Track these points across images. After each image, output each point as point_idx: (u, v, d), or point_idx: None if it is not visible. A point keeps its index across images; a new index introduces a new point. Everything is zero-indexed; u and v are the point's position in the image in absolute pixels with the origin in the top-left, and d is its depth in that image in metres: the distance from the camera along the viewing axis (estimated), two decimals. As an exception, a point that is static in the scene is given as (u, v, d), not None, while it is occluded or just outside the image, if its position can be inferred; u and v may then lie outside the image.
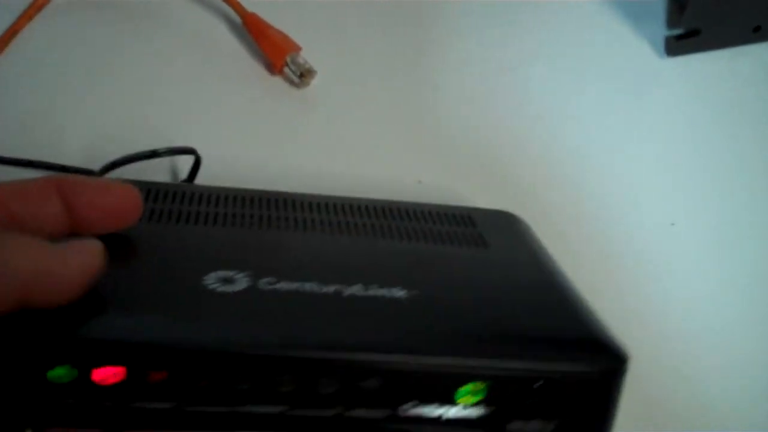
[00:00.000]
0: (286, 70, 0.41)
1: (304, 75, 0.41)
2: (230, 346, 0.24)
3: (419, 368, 0.24)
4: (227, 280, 0.26)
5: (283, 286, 0.26)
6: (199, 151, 0.37)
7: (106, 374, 0.23)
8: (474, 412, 0.25)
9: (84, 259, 0.24)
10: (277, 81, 0.42)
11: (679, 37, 0.45)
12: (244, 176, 0.37)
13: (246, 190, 0.34)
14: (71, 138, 0.39)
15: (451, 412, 0.25)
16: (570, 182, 0.41)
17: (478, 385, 0.25)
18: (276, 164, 0.40)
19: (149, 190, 0.32)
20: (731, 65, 0.45)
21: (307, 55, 0.42)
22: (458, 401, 0.25)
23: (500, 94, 0.43)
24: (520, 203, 0.37)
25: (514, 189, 0.41)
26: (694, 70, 0.45)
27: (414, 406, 0.25)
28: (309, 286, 0.27)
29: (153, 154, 0.37)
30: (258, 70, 0.42)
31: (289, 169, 0.39)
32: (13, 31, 0.42)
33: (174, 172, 0.39)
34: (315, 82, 0.42)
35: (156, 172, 0.38)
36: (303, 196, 0.34)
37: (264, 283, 0.26)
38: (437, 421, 0.25)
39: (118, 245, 0.27)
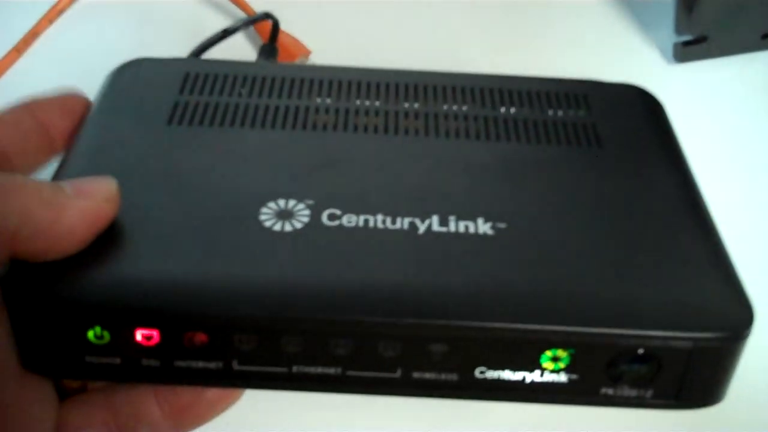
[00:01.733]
0: (295, 73, 0.42)
1: (313, 78, 0.42)
2: (273, 311, 0.21)
3: (490, 336, 0.21)
4: (286, 215, 0.24)
5: (348, 220, 0.23)
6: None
7: (141, 337, 0.22)
8: (561, 378, 0.22)
9: (87, 204, 0.22)
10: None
11: (687, 44, 0.45)
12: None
13: (321, 69, 0.31)
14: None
15: (533, 377, 0.22)
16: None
17: (561, 353, 0.22)
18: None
19: (205, 78, 0.29)
20: (740, 72, 0.45)
21: (317, 59, 0.43)
22: (541, 365, 0.22)
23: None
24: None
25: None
26: (702, 77, 0.45)
27: (490, 370, 0.22)
28: (378, 221, 0.24)
29: (225, 34, 0.34)
30: (269, 73, 0.43)
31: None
32: (34, 33, 0.43)
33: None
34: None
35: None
36: (382, 73, 0.31)
37: (327, 216, 0.24)
38: (520, 385, 0.22)
39: (159, 164, 0.25)
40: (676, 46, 0.45)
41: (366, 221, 0.24)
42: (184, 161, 0.26)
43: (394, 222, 0.24)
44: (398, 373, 0.22)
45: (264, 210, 0.24)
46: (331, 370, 0.22)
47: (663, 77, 0.45)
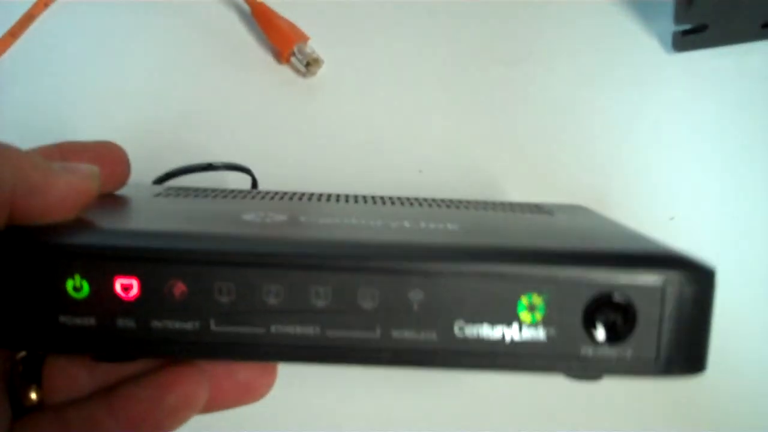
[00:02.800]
0: (293, 59, 0.42)
1: (310, 64, 0.42)
2: (255, 250, 0.22)
3: (466, 276, 0.22)
4: (265, 217, 0.25)
5: (324, 220, 0.25)
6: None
7: (120, 287, 0.22)
8: (539, 334, 0.22)
9: (74, 178, 0.23)
10: (284, 70, 0.43)
11: (686, 33, 0.45)
12: (247, 164, 0.38)
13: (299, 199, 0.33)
14: (84, 119, 0.41)
15: (512, 333, 0.22)
16: (570, 176, 0.42)
17: (536, 298, 0.22)
18: (279, 153, 0.41)
19: (188, 189, 0.32)
20: (739, 62, 0.45)
21: (315, 45, 0.42)
22: (519, 316, 0.22)
23: (503, 88, 0.44)
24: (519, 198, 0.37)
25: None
26: (701, 66, 0.45)
27: (469, 325, 0.22)
28: (352, 221, 0.25)
29: (209, 167, 0.37)
30: (266, 59, 0.43)
31: (290, 159, 0.41)
32: (29, 16, 0.43)
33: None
34: (321, 71, 0.42)
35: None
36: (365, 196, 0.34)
37: (303, 218, 0.26)
38: (500, 346, 0.22)
39: (144, 203, 0.28)
40: (675, 35, 0.45)
41: (341, 221, 0.25)
42: (169, 204, 0.29)
43: (367, 223, 0.25)
44: (377, 333, 0.22)
45: (245, 215, 0.26)
46: (310, 330, 0.22)
47: (662, 66, 0.45)
